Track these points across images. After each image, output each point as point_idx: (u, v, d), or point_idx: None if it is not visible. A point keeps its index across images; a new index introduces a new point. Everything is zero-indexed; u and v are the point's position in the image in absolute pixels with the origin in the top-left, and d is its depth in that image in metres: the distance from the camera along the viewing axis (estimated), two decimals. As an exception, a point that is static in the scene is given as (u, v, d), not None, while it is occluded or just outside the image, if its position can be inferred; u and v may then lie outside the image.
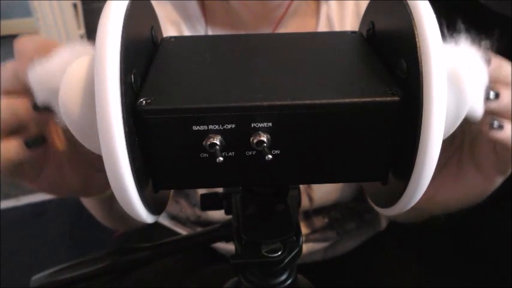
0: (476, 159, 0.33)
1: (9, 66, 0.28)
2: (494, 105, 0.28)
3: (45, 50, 0.26)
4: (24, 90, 0.26)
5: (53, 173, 0.31)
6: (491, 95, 0.27)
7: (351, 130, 0.22)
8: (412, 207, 0.24)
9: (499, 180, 0.34)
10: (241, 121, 0.21)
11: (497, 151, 0.31)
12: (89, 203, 0.48)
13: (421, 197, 0.23)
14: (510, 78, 0.28)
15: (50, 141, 0.30)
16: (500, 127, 0.29)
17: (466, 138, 0.33)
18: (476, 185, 0.35)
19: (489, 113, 0.28)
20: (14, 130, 0.28)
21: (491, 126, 0.29)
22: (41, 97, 0.25)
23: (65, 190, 0.33)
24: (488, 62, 0.27)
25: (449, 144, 0.35)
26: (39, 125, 0.29)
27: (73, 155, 0.32)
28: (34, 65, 0.25)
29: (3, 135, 0.27)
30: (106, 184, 0.20)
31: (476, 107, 0.25)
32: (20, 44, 0.28)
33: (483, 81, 0.26)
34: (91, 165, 0.34)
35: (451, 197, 0.36)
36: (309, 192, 0.57)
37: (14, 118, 0.27)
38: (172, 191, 0.55)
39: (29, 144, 0.28)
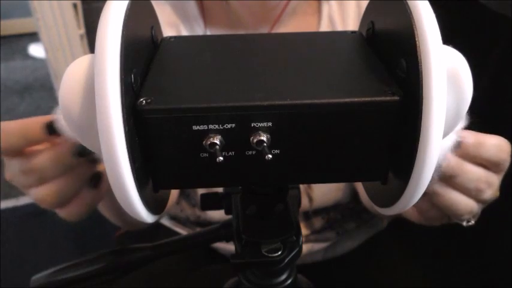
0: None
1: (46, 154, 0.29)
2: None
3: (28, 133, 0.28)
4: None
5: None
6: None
7: (351, 130, 0.22)
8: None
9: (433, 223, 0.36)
10: (241, 121, 0.21)
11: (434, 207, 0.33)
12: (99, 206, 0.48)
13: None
14: (486, 158, 0.30)
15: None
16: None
17: None
18: (414, 217, 0.37)
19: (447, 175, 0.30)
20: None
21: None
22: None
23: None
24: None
25: None
26: (89, 166, 0.30)
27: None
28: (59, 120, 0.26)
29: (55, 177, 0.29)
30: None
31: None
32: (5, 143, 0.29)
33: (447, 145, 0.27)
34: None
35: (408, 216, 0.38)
36: (309, 193, 0.57)
37: (58, 165, 0.29)
38: (176, 191, 0.55)
39: (91, 184, 0.30)
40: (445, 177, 0.29)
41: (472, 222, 0.34)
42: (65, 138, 0.27)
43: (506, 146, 0.31)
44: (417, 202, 0.30)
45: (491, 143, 0.30)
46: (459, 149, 0.28)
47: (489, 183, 0.31)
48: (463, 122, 0.27)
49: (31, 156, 0.29)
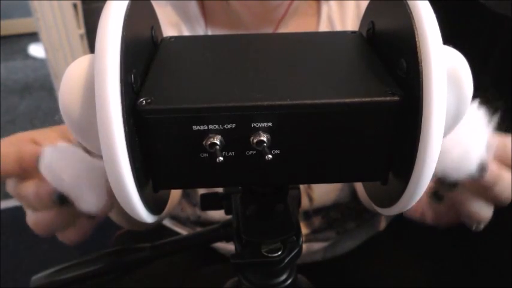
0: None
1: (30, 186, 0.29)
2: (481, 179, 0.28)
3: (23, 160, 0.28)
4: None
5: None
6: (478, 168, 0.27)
7: (351, 130, 0.22)
8: None
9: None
10: (241, 121, 0.21)
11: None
12: None
13: None
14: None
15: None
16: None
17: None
18: (428, 218, 0.35)
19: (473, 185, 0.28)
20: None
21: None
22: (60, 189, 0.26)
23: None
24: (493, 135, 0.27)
25: None
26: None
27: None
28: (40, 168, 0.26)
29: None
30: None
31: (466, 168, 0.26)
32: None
33: (482, 147, 0.26)
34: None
35: None
36: (309, 192, 0.57)
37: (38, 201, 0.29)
38: (178, 193, 0.55)
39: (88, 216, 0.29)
40: (483, 186, 0.28)
41: (481, 227, 0.33)
42: (48, 181, 0.26)
43: None
44: (436, 205, 0.30)
45: None
46: (493, 153, 0.27)
47: None
48: (490, 126, 0.26)
49: (22, 182, 0.29)
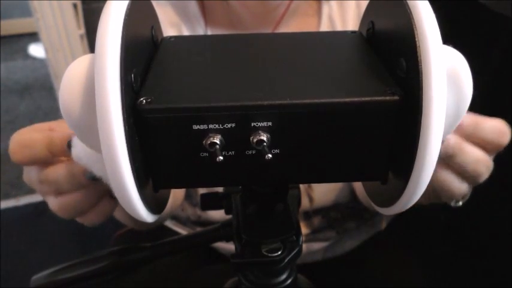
0: None
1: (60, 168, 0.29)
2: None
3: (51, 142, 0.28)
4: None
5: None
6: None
7: (351, 129, 0.22)
8: None
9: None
10: (241, 120, 0.21)
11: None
12: None
13: None
14: (483, 137, 0.29)
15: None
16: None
17: None
18: None
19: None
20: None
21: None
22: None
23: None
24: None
25: None
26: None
27: None
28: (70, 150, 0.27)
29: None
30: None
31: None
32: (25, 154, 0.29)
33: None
34: None
35: None
36: (309, 192, 0.57)
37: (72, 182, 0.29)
38: (182, 194, 0.55)
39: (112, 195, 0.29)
40: (442, 156, 0.29)
41: (460, 203, 0.34)
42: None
43: (505, 129, 0.30)
44: None
45: (490, 124, 0.29)
46: (457, 128, 0.28)
47: (487, 167, 0.31)
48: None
49: (49, 167, 0.29)
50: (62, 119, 0.23)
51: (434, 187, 0.32)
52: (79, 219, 0.32)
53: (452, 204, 0.34)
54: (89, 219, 0.32)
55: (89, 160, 0.26)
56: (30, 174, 0.31)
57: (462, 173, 0.30)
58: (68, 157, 0.28)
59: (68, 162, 0.29)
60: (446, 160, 0.29)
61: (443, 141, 0.27)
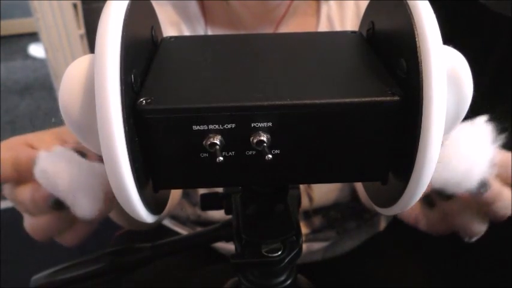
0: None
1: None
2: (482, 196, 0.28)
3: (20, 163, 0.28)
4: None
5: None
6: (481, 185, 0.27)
7: (351, 130, 0.22)
8: None
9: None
10: (241, 121, 0.21)
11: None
12: None
13: None
14: None
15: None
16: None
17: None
18: (421, 225, 0.35)
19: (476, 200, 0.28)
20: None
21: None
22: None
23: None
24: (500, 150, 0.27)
25: None
26: None
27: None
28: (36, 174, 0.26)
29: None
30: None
31: (468, 182, 0.26)
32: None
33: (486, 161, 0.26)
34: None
35: None
36: (309, 192, 0.57)
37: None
38: (179, 193, 0.55)
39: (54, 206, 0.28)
40: (481, 201, 0.27)
41: (473, 240, 0.33)
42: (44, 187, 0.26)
43: None
44: (429, 212, 0.29)
45: None
46: (493, 168, 0.26)
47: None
48: (495, 140, 0.26)
49: (19, 187, 0.29)
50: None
51: (455, 227, 0.31)
52: (57, 240, 0.31)
53: (466, 240, 0.33)
54: (65, 241, 0.31)
55: (56, 173, 0.25)
56: (5, 190, 0.30)
57: (492, 216, 0.30)
58: (35, 179, 0.27)
59: (33, 185, 0.28)
60: (481, 205, 0.28)
61: (485, 187, 0.26)
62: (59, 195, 0.26)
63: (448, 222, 0.32)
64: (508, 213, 0.29)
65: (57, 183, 0.25)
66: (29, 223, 0.30)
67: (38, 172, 0.26)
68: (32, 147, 0.30)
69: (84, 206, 0.26)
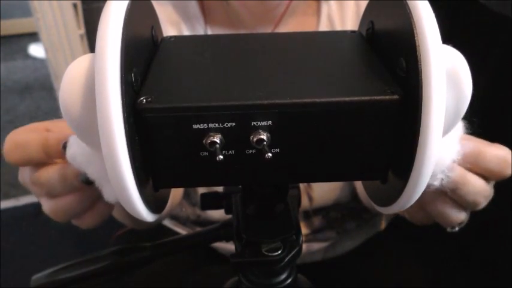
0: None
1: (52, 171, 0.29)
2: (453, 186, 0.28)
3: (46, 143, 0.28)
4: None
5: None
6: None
7: (351, 129, 0.22)
8: None
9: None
10: (241, 119, 0.21)
11: (428, 213, 0.32)
12: None
13: None
14: (485, 167, 0.29)
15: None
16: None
17: None
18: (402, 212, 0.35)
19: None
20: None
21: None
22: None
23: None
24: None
25: None
26: None
27: None
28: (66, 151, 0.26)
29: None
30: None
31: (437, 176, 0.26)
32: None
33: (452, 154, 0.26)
34: None
35: None
36: (309, 192, 0.57)
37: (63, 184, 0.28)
38: (180, 193, 0.55)
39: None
40: (446, 188, 0.28)
41: (456, 229, 0.33)
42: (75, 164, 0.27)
43: (509, 158, 0.29)
44: None
45: (493, 154, 0.28)
46: (459, 157, 0.27)
47: (486, 197, 0.30)
48: (462, 128, 0.26)
49: (41, 169, 0.29)
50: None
51: (432, 215, 0.32)
52: (74, 222, 0.32)
53: (449, 230, 0.34)
54: (84, 222, 0.32)
55: (84, 161, 0.25)
56: (24, 175, 0.30)
57: (462, 203, 0.30)
58: (63, 159, 0.27)
59: (61, 164, 0.28)
60: (448, 192, 0.29)
61: (446, 176, 0.27)
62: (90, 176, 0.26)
63: (425, 211, 0.32)
64: (478, 200, 0.30)
65: (87, 167, 0.26)
66: (50, 206, 0.30)
67: (69, 157, 0.26)
68: (52, 132, 0.30)
69: (111, 191, 0.26)
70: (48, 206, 0.30)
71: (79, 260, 0.34)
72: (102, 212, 0.32)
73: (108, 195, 0.26)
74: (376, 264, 0.60)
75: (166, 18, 0.55)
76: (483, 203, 0.30)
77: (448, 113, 0.21)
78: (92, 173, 0.26)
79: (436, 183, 0.27)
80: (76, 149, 0.26)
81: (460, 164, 0.28)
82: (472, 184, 0.29)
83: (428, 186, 0.25)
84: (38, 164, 0.29)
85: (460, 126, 0.27)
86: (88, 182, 0.26)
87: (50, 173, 0.28)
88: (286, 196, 0.31)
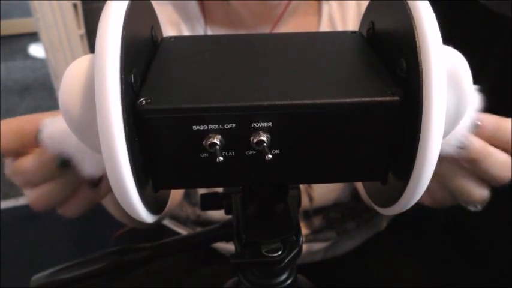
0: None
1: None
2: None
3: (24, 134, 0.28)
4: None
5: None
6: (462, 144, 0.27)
7: (351, 130, 0.22)
8: None
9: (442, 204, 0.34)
10: (241, 121, 0.21)
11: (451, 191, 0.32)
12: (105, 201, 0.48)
13: None
14: (506, 140, 0.28)
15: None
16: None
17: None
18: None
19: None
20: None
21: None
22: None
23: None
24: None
25: None
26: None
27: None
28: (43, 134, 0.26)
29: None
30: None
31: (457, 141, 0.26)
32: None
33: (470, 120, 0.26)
34: None
35: None
36: (309, 192, 0.57)
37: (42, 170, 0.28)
38: (180, 193, 0.55)
39: (90, 185, 0.29)
40: (465, 161, 0.28)
41: (479, 208, 0.32)
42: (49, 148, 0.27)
43: None
44: None
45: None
46: (477, 130, 0.26)
47: (510, 169, 0.29)
48: (478, 103, 0.26)
49: (20, 158, 0.29)
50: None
51: (452, 192, 0.31)
52: (59, 211, 0.31)
53: (472, 209, 0.32)
54: (68, 211, 0.31)
55: (60, 137, 0.25)
56: (7, 167, 0.30)
57: (486, 177, 0.29)
58: (41, 147, 0.27)
59: (38, 151, 0.28)
60: (470, 165, 0.28)
61: (464, 146, 0.27)
62: (67, 154, 0.26)
63: (446, 189, 0.31)
64: (504, 173, 0.29)
65: (65, 143, 0.26)
66: (31, 195, 0.30)
67: (45, 137, 0.26)
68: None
69: (91, 164, 0.26)
70: (30, 196, 0.30)
71: (79, 260, 0.34)
72: (85, 200, 0.31)
73: (89, 168, 0.25)
74: (376, 264, 0.60)
75: (166, 19, 0.55)
76: (508, 177, 0.29)
77: (448, 114, 0.21)
78: (70, 148, 0.25)
79: (451, 150, 0.26)
80: (51, 128, 0.26)
81: (480, 137, 0.27)
82: (495, 156, 0.28)
83: (444, 154, 0.25)
84: (17, 154, 0.29)
85: (475, 98, 0.26)
86: (64, 165, 0.26)
87: (28, 161, 0.28)
88: (286, 196, 0.31)
